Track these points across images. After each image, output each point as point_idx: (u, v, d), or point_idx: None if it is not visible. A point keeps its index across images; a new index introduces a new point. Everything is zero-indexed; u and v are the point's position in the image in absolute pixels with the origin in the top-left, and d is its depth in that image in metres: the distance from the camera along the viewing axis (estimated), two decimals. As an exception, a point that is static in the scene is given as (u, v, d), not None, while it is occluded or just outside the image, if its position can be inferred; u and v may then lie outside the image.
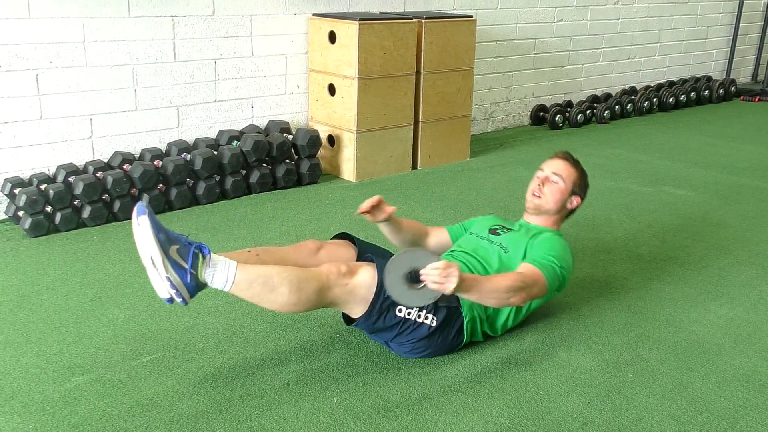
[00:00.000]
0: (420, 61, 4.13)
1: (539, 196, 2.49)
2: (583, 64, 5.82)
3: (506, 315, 2.33)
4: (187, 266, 1.91)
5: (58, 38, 3.25)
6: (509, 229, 2.49)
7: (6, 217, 3.27)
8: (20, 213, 3.12)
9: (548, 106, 5.56)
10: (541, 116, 5.53)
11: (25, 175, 3.30)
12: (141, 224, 1.89)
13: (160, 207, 3.42)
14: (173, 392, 2.03)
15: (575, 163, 2.54)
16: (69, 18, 3.26)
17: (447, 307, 2.20)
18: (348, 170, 4.05)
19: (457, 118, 4.43)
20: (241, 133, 3.85)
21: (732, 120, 5.93)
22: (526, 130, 5.44)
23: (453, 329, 2.23)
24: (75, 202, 3.22)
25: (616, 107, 5.77)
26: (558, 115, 5.42)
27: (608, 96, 5.98)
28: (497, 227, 2.51)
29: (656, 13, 6.24)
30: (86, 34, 3.32)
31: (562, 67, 5.66)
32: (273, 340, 2.33)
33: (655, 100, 6.09)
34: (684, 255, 3.12)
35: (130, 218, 3.31)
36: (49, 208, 3.14)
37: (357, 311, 2.12)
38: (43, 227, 3.11)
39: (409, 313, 2.15)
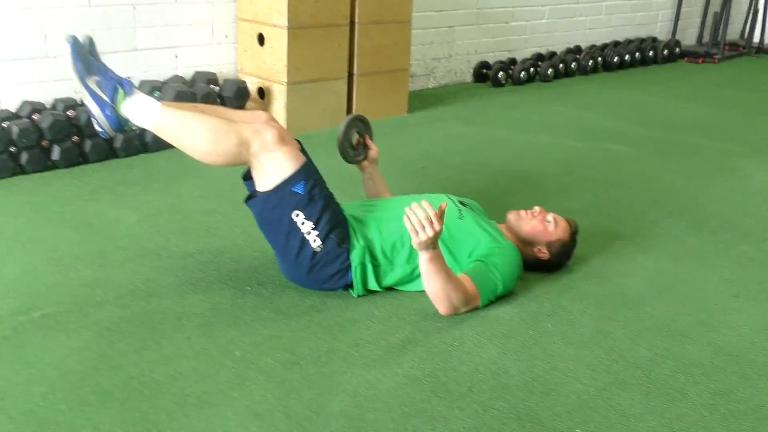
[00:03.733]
0: (354, 11, 3.97)
1: (527, 216, 2.37)
2: (527, 21, 5.72)
3: (397, 278, 2.23)
4: (107, 99, 1.99)
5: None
6: (474, 210, 2.41)
7: None
8: None
9: (491, 63, 5.45)
10: (484, 73, 5.42)
11: (-76, 125, 3.08)
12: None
13: (74, 159, 3.22)
14: (62, 348, 1.89)
15: (574, 235, 2.41)
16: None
17: (337, 242, 2.13)
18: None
19: (394, 72, 4.29)
20: (164, 84, 3.65)
21: (676, 81, 5.90)
22: (468, 87, 5.33)
23: (335, 266, 2.16)
24: (-22, 154, 3.01)
25: (560, 65, 5.69)
26: (501, 72, 5.31)
27: (553, 54, 5.89)
28: (470, 205, 2.42)
29: (602, -30, 6.16)
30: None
31: (506, 23, 5.55)
32: (179, 294, 2.19)
33: (599, 59, 6.03)
34: (616, 209, 3.06)
35: (39, 171, 3.14)
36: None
37: (263, 184, 2.10)
38: (-59, 179, 2.90)
39: (302, 224, 2.10)
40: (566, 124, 4.38)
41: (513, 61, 5.60)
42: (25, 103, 3.26)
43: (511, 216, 2.42)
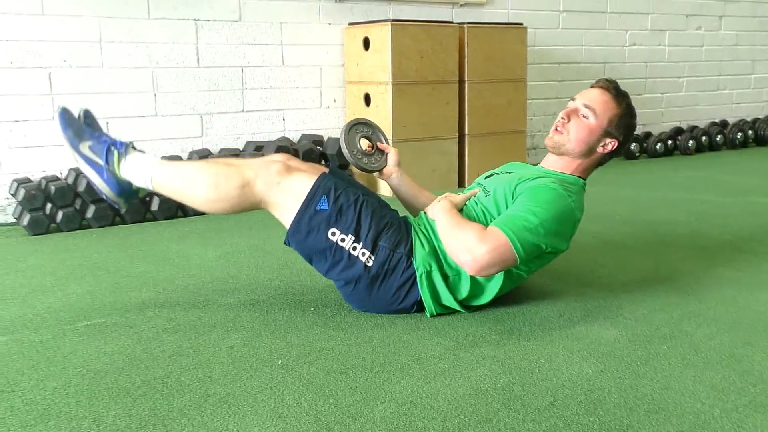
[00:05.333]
0: (463, 68, 3.84)
1: (561, 132, 1.99)
2: (662, 94, 5.35)
3: (469, 287, 1.88)
4: (102, 162, 1.87)
5: (72, 37, 3.18)
6: (509, 173, 2.06)
7: (14, 219, 3.13)
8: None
9: (623, 136, 5.07)
10: (615, 146, 5.04)
11: (36, 177, 3.19)
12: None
13: (171, 213, 3.20)
14: (94, 352, 1.71)
15: (618, 96, 1.99)
16: (84, 16, 3.19)
17: (390, 248, 1.85)
18: (384, 183, 3.73)
19: (509, 134, 4.07)
20: (267, 142, 3.63)
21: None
22: (597, 160, 4.96)
23: (396, 276, 1.86)
24: (80, 202, 3.05)
25: (703, 138, 5.21)
26: (634, 144, 4.92)
27: (694, 128, 5.43)
28: (499, 172, 2.09)
29: (747, 41, 5.72)
30: (102, 33, 3.24)
31: (638, 95, 5.20)
32: (235, 311, 1.99)
33: (750, 132, 5.48)
34: (760, 246, 2.57)
35: (137, 221, 3.14)
36: (50, 206, 2.98)
37: (287, 219, 1.86)
38: (42, 225, 2.94)
39: (342, 240, 1.84)
40: (705, 184, 3.91)
41: (648, 135, 5.20)
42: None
43: (548, 146, 2.02)
